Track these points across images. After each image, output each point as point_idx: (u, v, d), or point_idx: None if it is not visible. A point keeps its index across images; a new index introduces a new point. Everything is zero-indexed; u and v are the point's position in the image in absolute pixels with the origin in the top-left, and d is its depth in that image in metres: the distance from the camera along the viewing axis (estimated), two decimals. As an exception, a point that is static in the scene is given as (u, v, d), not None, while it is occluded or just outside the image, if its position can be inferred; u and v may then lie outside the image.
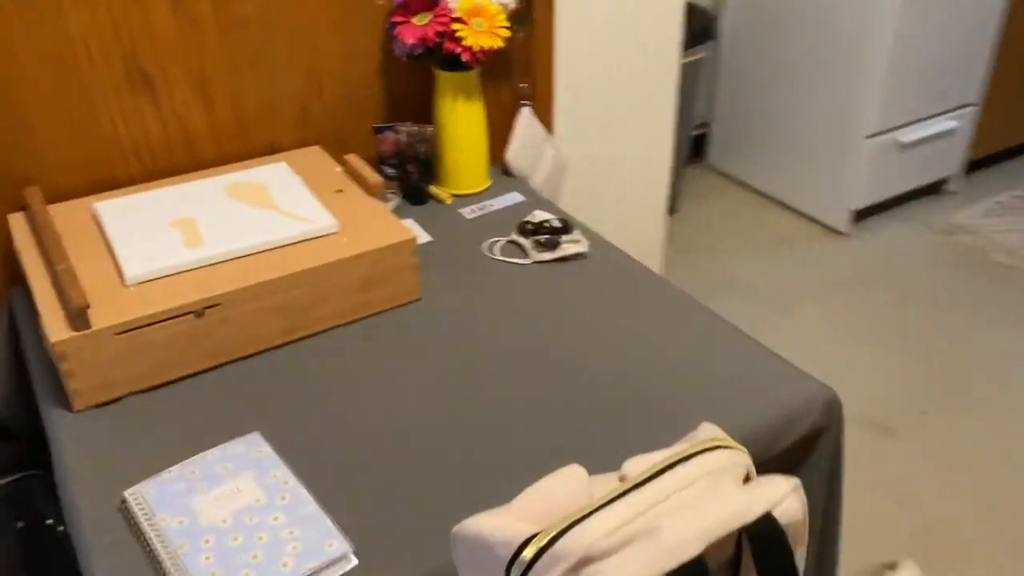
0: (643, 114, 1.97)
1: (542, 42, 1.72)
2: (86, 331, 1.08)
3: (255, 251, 1.23)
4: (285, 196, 1.34)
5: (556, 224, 1.45)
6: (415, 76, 1.59)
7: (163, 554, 0.89)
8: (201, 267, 1.20)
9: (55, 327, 1.08)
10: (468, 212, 1.55)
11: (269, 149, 1.52)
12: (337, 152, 1.50)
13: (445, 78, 1.51)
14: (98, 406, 1.12)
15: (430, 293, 1.33)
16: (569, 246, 1.41)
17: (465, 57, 1.44)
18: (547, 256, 1.40)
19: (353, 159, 1.44)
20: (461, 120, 1.53)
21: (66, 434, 1.08)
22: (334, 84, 1.53)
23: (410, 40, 1.43)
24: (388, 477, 1.02)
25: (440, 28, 1.43)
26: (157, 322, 1.12)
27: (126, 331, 1.10)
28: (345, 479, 1.01)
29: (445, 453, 1.05)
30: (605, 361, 1.19)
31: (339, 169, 1.45)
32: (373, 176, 1.38)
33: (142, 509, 0.94)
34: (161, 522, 0.92)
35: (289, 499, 0.95)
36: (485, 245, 1.46)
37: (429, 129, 1.55)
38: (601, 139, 1.93)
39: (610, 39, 1.83)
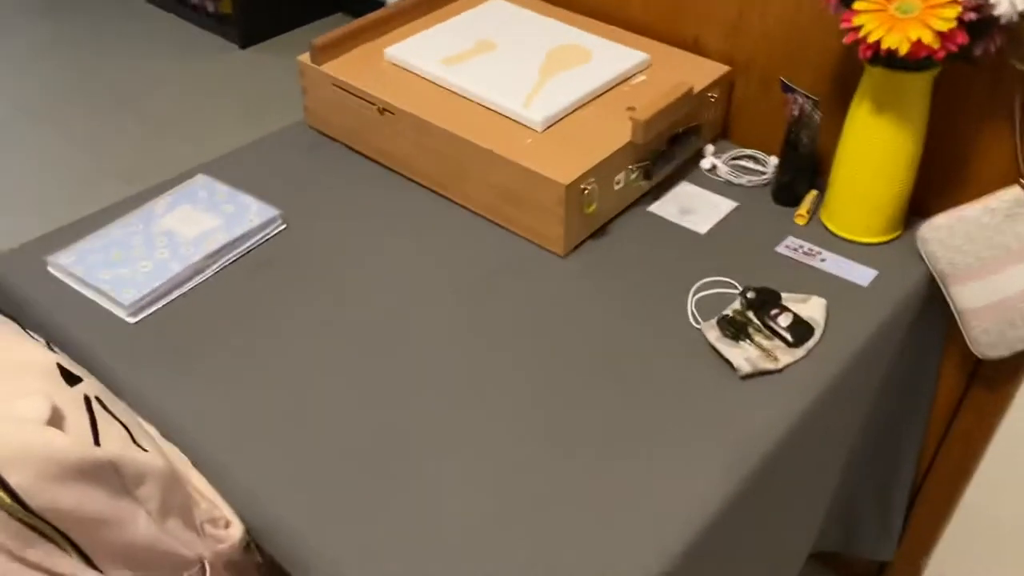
0: None
1: None
2: (318, 65, 1.27)
3: (469, 95, 1.19)
4: (581, 78, 1.20)
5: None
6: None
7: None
8: (427, 80, 1.23)
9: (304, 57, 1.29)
10: (786, 248, 1.14)
11: (692, 44, 1.31)
12: (756, 89, 1.23)
13: (870, 73, 1.05)
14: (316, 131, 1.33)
15: (587, 261, 1.11)
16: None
17: (893, 48, 0.97)
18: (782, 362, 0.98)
19: (694, 92, 1.17)
20: (877, 138, 1.06)
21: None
22: (784, 5, 1.19)
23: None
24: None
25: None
26: (353, 93, 1.23)
27: (336, 85, 1.25)
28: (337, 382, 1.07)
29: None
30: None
31: (681, 92, 1.18)
32: (645, 121, 1.12)
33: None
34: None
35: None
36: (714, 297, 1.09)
37: (816, 116, 1.13)
38: None
39: None
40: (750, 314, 1.02)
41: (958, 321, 1.12)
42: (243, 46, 3.17)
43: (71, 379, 0.78)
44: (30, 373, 0.76)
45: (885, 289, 1.08)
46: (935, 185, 1.17)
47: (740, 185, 1.23)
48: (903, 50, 0.92)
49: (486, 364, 0.98)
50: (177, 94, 2.86)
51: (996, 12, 0.92)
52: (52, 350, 0.81)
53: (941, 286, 1.10)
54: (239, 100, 2.85)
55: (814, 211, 1.18)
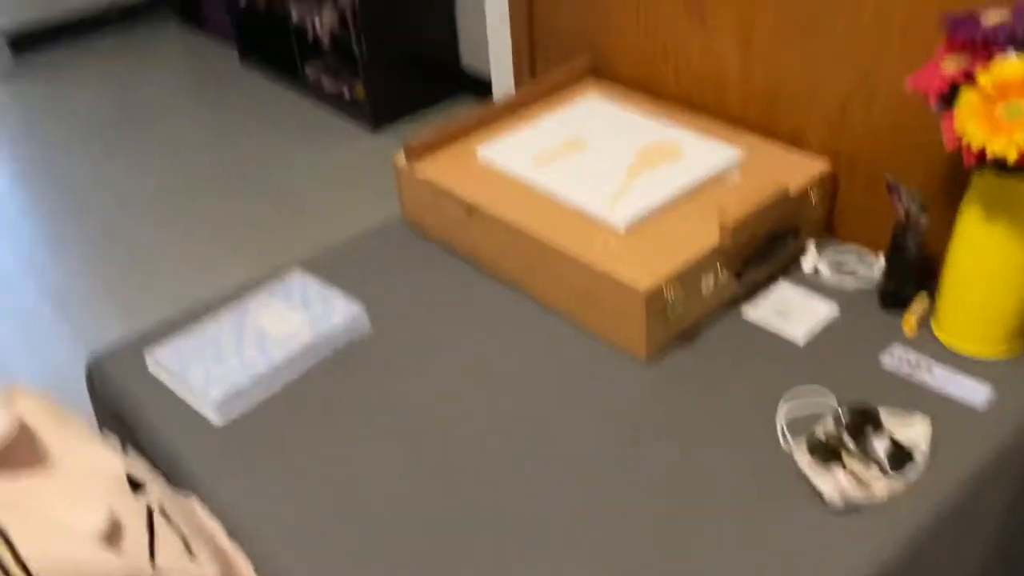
0: None
1: None
2: (411, 165, 1.29)
3: (556, 196, 1.18)
4: (670, 177, 1.17)
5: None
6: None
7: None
8: (516, 180, 1.23)
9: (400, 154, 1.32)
10: (891, 359, 1.05)
11: (792, 139, 1.26)
12: (861, 185, 1.17)
13: (979, 177, 0.97)
14: (412, 225, 1.36)
15: (671, 368, 1.07)
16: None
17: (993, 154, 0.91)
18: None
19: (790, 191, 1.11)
20: (990, 246, 0.97)
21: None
22: (890, 98, 1.13)
23: (927, 87, 0.95)
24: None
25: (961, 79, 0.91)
26: (443, 193, 1.25)
27: (427, 185, 1.27)
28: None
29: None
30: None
31: (775, 193, 1.13)
32: (734, 225, 1.07)
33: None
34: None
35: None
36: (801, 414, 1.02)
37: (924, 219, 1.05)
38: None
39: None
40: (844, 436, 0.94)
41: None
42: (374, 130, 3.30)
43: (136, 487, 0.80)
44: (97, 480, 0.78)
45: (1004, 410, 0.97)
46: (1064, 293, 1.06)
47: (843, 287, 1.16)
48: (1012, 158, 0.85)
49: (556, 476, 0.94)
50: (311, 177, 3.01)
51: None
52: (124, 453, 0.84)
53: (1072, 407, 0.99)
54: (369, 183, 2.96)
55: (924, 319, 1.10)
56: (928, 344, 1.06)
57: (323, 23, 3.22)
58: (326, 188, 2.95)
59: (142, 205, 2.90)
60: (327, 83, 3.45)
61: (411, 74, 3.31)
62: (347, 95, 3.37)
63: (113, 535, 0.72)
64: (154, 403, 1.08)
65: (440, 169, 1.28)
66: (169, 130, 3.38)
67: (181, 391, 1.08)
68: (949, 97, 0.92)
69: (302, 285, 1.22)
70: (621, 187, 1.17)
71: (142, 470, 0.83)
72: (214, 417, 1.05)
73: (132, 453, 0.89)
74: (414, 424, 1.02)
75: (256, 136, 3.30)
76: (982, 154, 0.88)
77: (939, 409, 0.98)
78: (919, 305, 1.10)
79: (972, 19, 0.89)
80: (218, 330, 1.15)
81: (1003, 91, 0.86)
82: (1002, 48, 0.87)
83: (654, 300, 1.03)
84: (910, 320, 1.09)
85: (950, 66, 0.92)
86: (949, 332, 1.05)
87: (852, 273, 1.18)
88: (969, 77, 0.89)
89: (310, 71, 3.52)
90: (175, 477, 1.01)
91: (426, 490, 0.94)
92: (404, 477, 0.96)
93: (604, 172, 1.20)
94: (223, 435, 1.03)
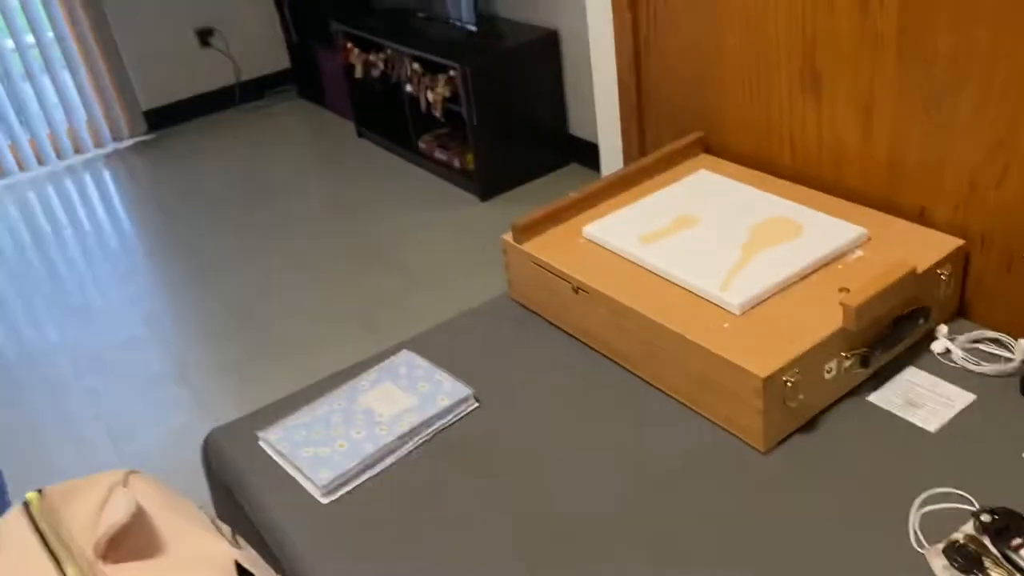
0: None
1: None
2: (520, 244, 1.29)
3: (665, 275, 1.15)
4: (788, 256, 1.13)
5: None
6: None
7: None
8: (624, 258, 1.21)
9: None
10: None
11: (917, 215, 1.20)
12: (996, 263, 1.10)
13: None
14: (518, 301, 1.35)
15: (792, 459, 1.01)
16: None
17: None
18: None
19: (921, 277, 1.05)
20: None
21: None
22: (1023, 173, 1.06)
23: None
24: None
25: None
26: (550, 271, 1.24)
27: (535, 263, 1.26)
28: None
29: None
30: None
31: (902, 273, 1.07)
32: (858, 306, 1.01)
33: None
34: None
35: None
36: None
37: (1070, 307, 0.97)
38: None
39: None
40: (986, 541, 0.86)
41: None
42: (483, 199, 3.35)
43: (246, 574, 0.80)
44: (207, 567, 0.79)
45: None
46: None
47: (980, 374, 1.08)
48: None
49: (663, 571, 0.89)
50: (423, 247, 3.06)
51: None
52: (236, 544, 0.84)
53: None
54: (478, 252, 2.99)
55: (1074, 410, 1.01)
56: (1080, 438, 0.97)
57: (436, 94, 3.31)
58: (438, 257, 2.99)
59: (265, 279, 3.01)
60: (439, 153, 3.53)
61: (520, 143, 3.36)
62: (458, 164, 3.44)
63: (220, 626, 0.72)
64: (264, 481, 1.09)
65: (547, 247, 1.27)
66: (291, 203, 3.52)
67: (291, 471, 1.09)
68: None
69: (409, 364, 1.22)
70: (736, 265, 1.13)
71: (251, 558, 0.83)
72: (321, 499, 1.05)
73: (242, 542, 0.90)
74: (520, 508, 0.99)
75: (377, 207, 3.40)
76: None
77: (1097, 513, 0.89)
78: (1068, 395, 1.01)
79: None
80: (327, 411, 1.16)
81: None
82: None
83: (773, 386, 0.98)
84: (1057, 411, 1.00)
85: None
86: (1104, 425, 0.96)
87: (990, 358, 1.10)
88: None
89: (424, 143, 3.61)
90: (281, 556, 1.01)
91: (532, 584, 0.91)
92: (506, 566, 0.93)
93: (718, 250, 1.17)
94: (328, 516, 1.03)
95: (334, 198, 3.53)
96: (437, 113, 3.36)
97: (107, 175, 4.03)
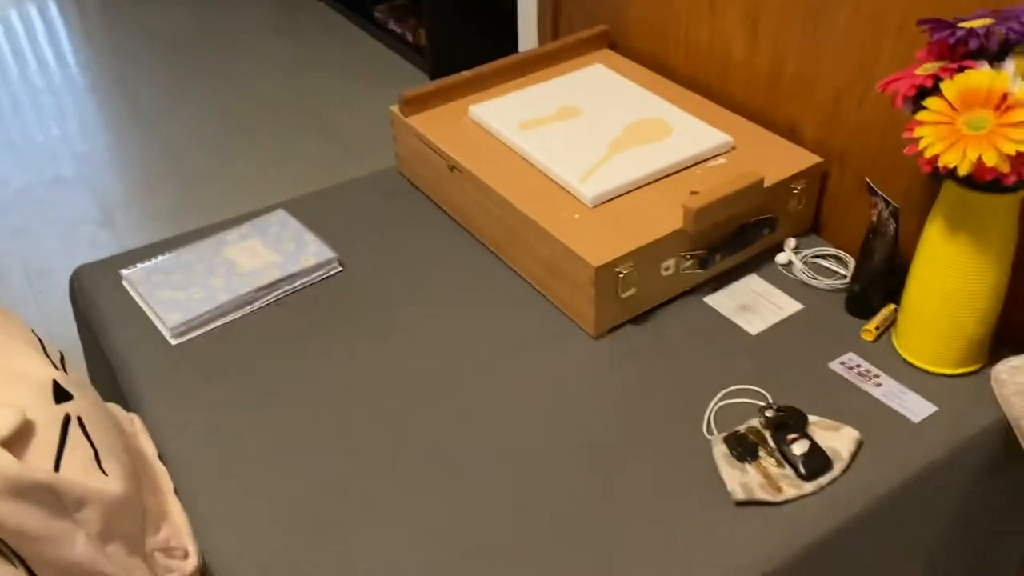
0: None
1: None
2: (405, 117, 1.30)
3: (534, 162, 1.18)
4: (651, 155, 1.16)
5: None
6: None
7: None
8: (501, 141, 1.23)
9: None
10: (841, 365, 1.03)
11: (788, 131, 1.23)
12: (850, 183, 1.14)
13: (947, 188, 0.93)
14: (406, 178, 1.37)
15: (618, 346, 1.07)
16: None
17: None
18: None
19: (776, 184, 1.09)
20: (950, 261, 0.94)
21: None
22: (881, 97, 1.09)
23: (896, 91, 0.92)
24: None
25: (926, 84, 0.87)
26: (430, 147, 1.26)
27: (416, 137, 1.28)
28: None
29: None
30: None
31: (747, 182, 1.10)
32: (698, 209, 1.05)
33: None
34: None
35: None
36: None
37: (892, 225, 1.01)
38: None
39: None
40: (767, 434, 0.93)
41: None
42: (433, 76, 3.31)
43: (61, 396, 0.84)
44: (23, 384, 0.83)
45: (941, 428, 0.95)
46: (1035, 318, 1.02)
47: (814, 287, 1.13)
48: (963, 170, 0.81)
49: (488, 434, 0.96)
50: (364, 116, 3.04)
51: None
52: (57, 366, 0.88)
53: (1018, 435, 0.96)
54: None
55: (886, 328, 1.07)
56: (884, 355, 1.04)
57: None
58: (377, 129, 2.98)
59: (204, 132, 2.99)
60: (393, 24, 3.46)
61: (473, 24, 3.30)
62: (411, 39, 3.38)
63: (20, 439, 0.77)
64: (120, 320, 1.13)
65: (432, 123, 1.28)
66: (240, 59, 3.45)
67: (148, 312, 1.13)
68: (918, 101, 0.88)
69: (282, 223, 1.25)
70: (600, 160, 1.16)
71: (75, 382, 0.88)
72: (171, 340, 1.09)
73: (80, 366, 0.94)
74: (362, 373, 1.05)
75: (324, 74, 3.35)
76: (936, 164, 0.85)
77: (876, 421, 0.96)
78: (884, 314, 1.07)
79: (949, 24, 0.85)
80: (192, 258, 1.19)
81: (967, 102, 0.82)
82: (973, 57, 0.83)
83: (605, 276, 1.03)
84: (870, 328, 1.06)
85: (924, 71, 0.88)
86: (905, 345, 1.02)
87: (827, 273, 1.15)
88: (937, 84, 0.85)
89: (379, 11, 3.54)
90: (128, 394, 1.06)
91: (362, 436, 0.97)
92: (340, 423, 0.99)
93: (588, 144, 1.19)
94: (175, 358, 1.07)
95: (283, 57, 3.46)
96: (394, -17, 3.28)
97: (54, 9, 3.91)
